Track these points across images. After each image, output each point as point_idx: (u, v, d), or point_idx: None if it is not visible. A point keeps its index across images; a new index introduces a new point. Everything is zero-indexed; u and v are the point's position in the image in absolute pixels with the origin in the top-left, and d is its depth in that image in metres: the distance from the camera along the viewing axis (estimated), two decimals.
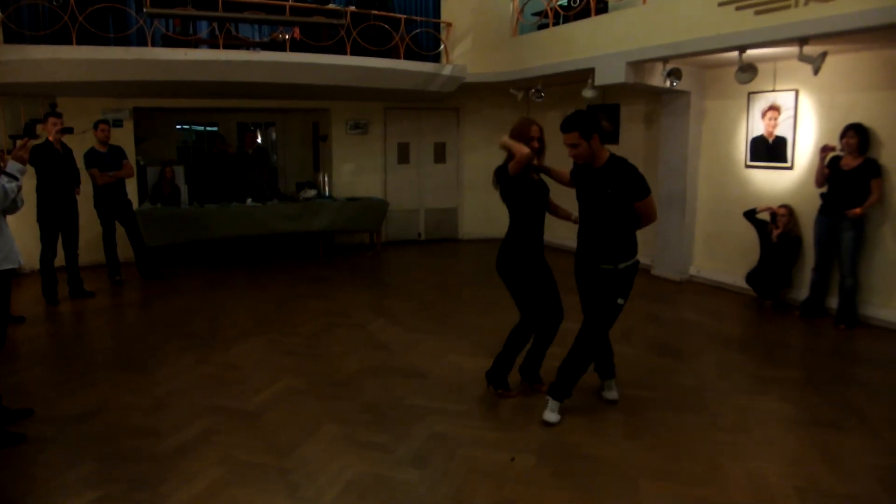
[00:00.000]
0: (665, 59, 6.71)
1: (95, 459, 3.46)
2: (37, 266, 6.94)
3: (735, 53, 5.98)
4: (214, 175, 9.77)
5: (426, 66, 8.95)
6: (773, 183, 6.83)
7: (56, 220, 6.70)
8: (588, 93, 7.85)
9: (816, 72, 5.58)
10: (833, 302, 6.07)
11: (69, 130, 6.69)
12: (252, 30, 8.64)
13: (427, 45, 9.26)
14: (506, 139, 3.96)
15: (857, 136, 5.72)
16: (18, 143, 4.08)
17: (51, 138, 6.55)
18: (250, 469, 3.37)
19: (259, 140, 10.87)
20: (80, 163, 7.00)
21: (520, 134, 3.96)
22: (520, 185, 3.97)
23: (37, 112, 8.01)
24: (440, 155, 10.89)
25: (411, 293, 7.35)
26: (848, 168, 5.79)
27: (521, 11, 8.98)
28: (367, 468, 3.38)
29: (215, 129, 11.51)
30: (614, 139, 8.91)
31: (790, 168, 6.64)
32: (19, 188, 3.87)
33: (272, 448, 3.60)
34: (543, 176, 4.18)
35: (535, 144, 3.94)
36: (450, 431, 3.81)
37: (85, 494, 3.11)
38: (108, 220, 7.43)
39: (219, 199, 8.94)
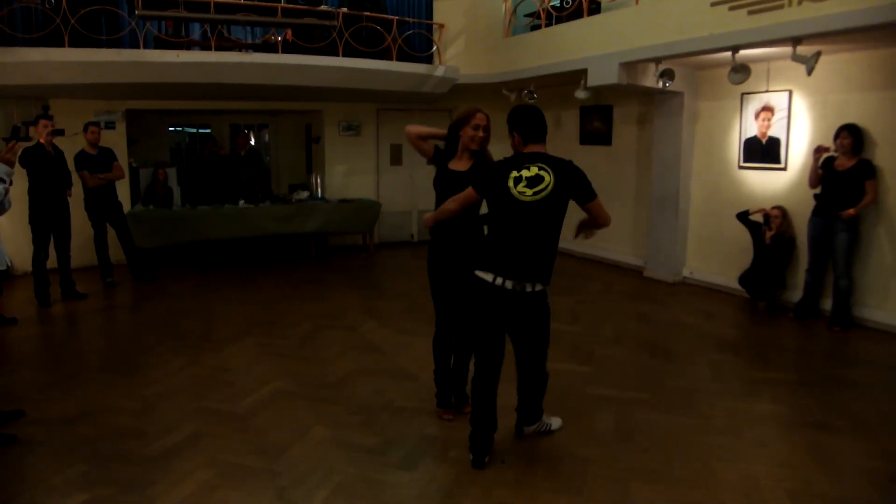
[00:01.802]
0: (658, 60, 6.70)
1: (85, 462, 3.43)
2: (29, 268, 6.90)
3: (728, 54, 5.97)
4: (207, 177, 9.75)
5: (419, 68, 8.93)
6: (766, 184, 6.82)
7: (48, 221, 6.67)
8: (581, 94, 7.85)
9: (810, 72, 5.58)
10: (827, 304, 6.06)
11: (60, 132, 6.67)
12: (244, 31, 8.62)
13: (419, 46, 9.24)
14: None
15: (851, 136, 5.71)
16: (8, 145, 4.07)
17: (42, 140, 6.52)
18: (239, 472, 3.34)
19: (252, 142, 10.84)
20: (71, 165, 6.97)
21: (460, 121, 3.69)
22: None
23: (30, 114, 7.96)
24: None
25: (403, 295, 7.32)
26: (842, 169, 5.78)
27: (514, 12, 8.97)
28: (357, 471, 3.35)
29: (208, 130, 11.49)
30: (607, 140, 8.92)
31: (784, 169, 6.63)
32: (6, 191, 3.87)
33: (261, 451, 3.57)
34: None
35: (481, 134, 3.66)
36: (440, 433, 3.79)
37: (74, 497, 3.08)
38: (98, 223, 7.38)
39: (211, 201, 8.91)
